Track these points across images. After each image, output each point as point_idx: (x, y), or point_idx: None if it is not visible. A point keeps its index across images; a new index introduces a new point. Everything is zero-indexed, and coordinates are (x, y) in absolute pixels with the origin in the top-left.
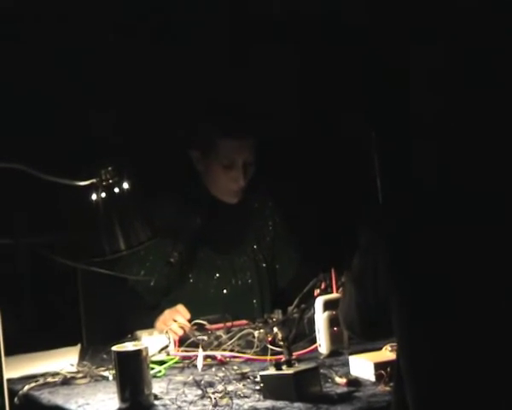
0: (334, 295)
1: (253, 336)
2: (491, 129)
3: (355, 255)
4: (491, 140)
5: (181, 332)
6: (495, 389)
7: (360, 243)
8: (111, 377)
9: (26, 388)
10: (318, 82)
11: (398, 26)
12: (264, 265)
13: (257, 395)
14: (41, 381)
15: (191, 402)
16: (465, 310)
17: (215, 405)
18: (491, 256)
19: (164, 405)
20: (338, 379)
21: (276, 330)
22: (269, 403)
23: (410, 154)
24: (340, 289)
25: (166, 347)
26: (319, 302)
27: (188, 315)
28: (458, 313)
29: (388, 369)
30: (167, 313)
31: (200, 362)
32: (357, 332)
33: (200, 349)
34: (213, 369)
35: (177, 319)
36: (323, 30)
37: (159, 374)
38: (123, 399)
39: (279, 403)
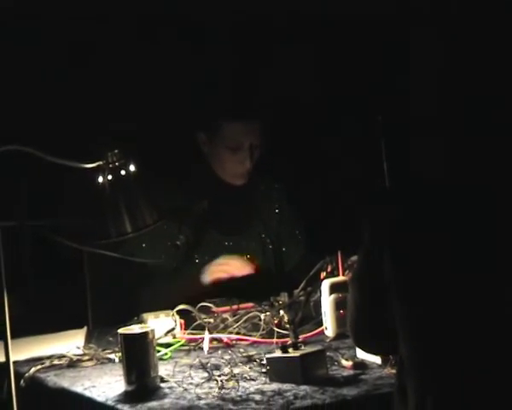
0: (341, 277)
1: (260, 319)
2: (491, 128)
3: (358, 251)
4: (492, 136)
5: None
6: (491, 377)
7: (363, 238)
8: (117, 360)
9: (33, 370)
10: (326, 70)
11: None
12: (270, 247)
13: (263, 378)
14: (47, 363)
15: (197, 385)
16: (465, 302)
17: (221, 387)
18: (489, 250)
19: (170, 387)
20: (344, 362)
21: (282, 312)
22: (275, 386)
23: (413, 145)
24: (347, 271)
25: (173, 329)
26: (325, 285)
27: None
28: (458, 305)
29: None
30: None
31: (206, 345)
32: (354, 337)
33: (207, 332)
34: (219, 352)
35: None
36: (331, 26)
37: (165, 357)
38: (129, 381)
39: (285, 386)
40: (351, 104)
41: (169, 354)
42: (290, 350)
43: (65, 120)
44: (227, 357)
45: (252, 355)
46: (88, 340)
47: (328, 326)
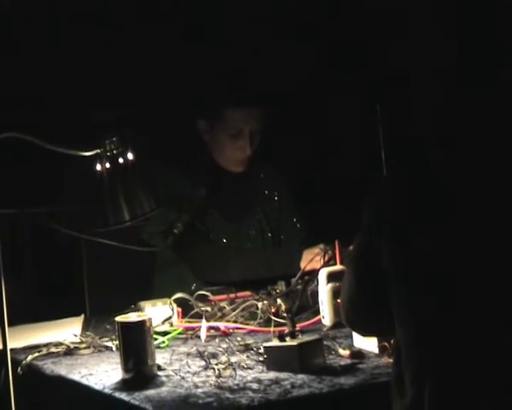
0: (338, 267)
1: (257, 308)
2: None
3: (356, 235)
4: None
5: None
6: (492, 364)
7: (362, 220)
8: (114, 348)
9: (30, 358)
10: (326, 57)
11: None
12: (269, 235)
13: (260, 367)
14: (44, 351)
15: (194, 373)
16: (465, 287)
17: (218, 376)
18: (492, 235)
19: (167, 376)
20: (341, 351)
21: (279, 301)
22: (272, 375)
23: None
24: (345, 258)
25: (170, 318)
26: (323, 274)
27: None
28: (457, 290)
29: (392, 341)
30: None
31: (203, 333)
32: (346, 316)
33: (204, 320)
34: (217, 340)
35: None
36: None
37: (162, 345)
38: (126, 369)
39: (282, 375)
40: (350, 92)
41: (166, 343)
42: (287, 339)
43: (64, 107)
44: (224, 346)
45: (249, 344)
46: (85, 328)
47: (326, 315)
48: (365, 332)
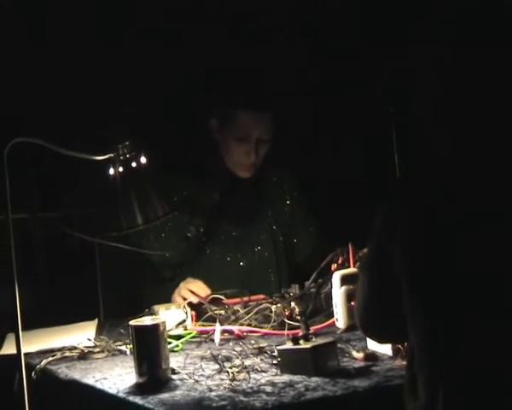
0: (352, 269)
1: (271, 311)
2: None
3: (369, 239)
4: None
5: (195, 300)
6: (505, 371)
7: (374, 226)
8: (128, 352)
9: (44, 362)
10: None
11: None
12: (281, 239)
13: (274, 370)
14: (58, 355)
15: (208, 377)
16: (477, 292)
17: (232, 379)
18: (505, 241)
19: (181, 379)
20: (355, 354)
21: (293, 304)
22: (286, 378)
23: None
24: (358, 264)
25: (184, 321)
26: (336, 277)
27: (205, 290)
28: (470, 294)
29: (405, 343)
30: (182, 285)
31: (217, 337)
32: (361, 324)
33: (218, 324)
34: (231, 343)
35: (191, 288)
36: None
37: (176, 349)
38: (140, 373)
39: (296, 378)
40: (362, 95)
41: (180, 346)
42: (301, 342)
43: (77, 111)
44: (238, 349)
45: (263, 347)
46: (99, 332)
47: (339, 318)
48: (379, 338)
